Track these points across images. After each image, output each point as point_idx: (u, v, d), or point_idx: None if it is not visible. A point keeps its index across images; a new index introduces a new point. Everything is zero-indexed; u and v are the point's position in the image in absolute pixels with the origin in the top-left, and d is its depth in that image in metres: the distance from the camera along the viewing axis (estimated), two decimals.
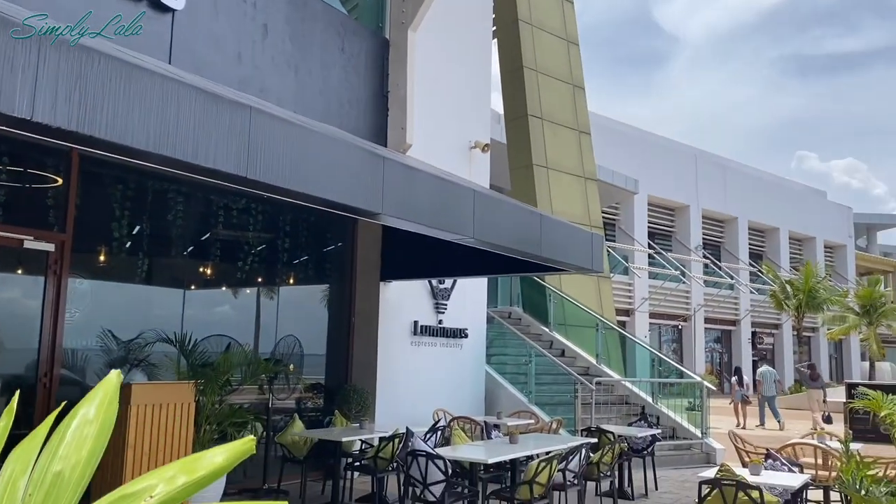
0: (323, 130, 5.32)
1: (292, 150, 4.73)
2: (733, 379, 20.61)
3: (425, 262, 9.98)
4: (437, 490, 6.12)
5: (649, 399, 13.00)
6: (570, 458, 6.73)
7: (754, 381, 19.58)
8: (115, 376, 1.40)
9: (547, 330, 14.77)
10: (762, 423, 18.50)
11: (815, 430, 9.89)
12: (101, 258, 8.02)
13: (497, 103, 17.97)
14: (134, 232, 8.25)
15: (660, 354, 16.27)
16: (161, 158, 4.02)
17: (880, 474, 5.07)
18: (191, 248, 9.03)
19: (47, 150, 7.23)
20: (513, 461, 6.90)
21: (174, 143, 4.01)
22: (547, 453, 6.63)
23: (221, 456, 1.08)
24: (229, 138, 4.33)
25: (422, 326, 11.06)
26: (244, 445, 1.13)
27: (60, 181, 7.42)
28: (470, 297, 11.99)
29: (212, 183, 7.02)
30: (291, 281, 10.19)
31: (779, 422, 18.36)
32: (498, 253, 7.80)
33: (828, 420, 18.57)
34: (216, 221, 8.99)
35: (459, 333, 11.63)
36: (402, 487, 7.02)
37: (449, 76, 11.69)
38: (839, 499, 7.33)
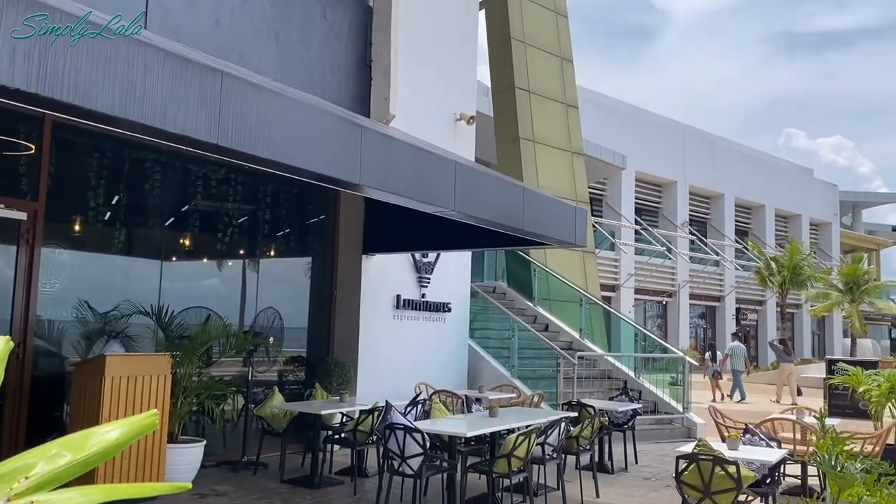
0: (298, 97, 5.19)
1: (265, 116, 4.60)
2: (707, 355, 21.29)
3: (408, 235, 9.89)
4: (416, 463, 6.09)
5: (632, 374, 13.04)
6: (550, 431, 6.71)
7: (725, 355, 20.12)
8: (2, 342, 1.29)
9: (531, 305, 14.74)
10: (743, 398, 18.73)
11: (794, 404, 9.95)
12: (77, 228, 7.87)
13: (484, 75, 17.79)
14: (110, 201, 8.10)
15: (643, 330, 16.32)
16: (127, 123, 3.89)
17: (856, 449, 5.07)
18: (169, 218, 8.88)
19: (19, 116, 7.05)
20: (492, 435, 6.87)
21: (141, 107, 3.88)
22: (527, 427, 6.61)
23: (117, 431, 0.98)
24: (199, 104, 4.20)
25: (404, 300, 11.00)
26: (145, 420, 1.03)
27: (33, 148, 7.25)
28: (453, 271, 11.93)
29: (190, 152, 6.89)
30: (272, 253, 10.07)
31: (737, 394, 18.86)
32: (481, 226, 7.71)
33: (798, 392, 18.97)
34: (195, 192, 8.83)
35: (442, 307, 11.58)
36: (381, 460, 7.00)
37: (434, 46, 11.51)
38: (816, 473, 7.38)
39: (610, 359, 13.56)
